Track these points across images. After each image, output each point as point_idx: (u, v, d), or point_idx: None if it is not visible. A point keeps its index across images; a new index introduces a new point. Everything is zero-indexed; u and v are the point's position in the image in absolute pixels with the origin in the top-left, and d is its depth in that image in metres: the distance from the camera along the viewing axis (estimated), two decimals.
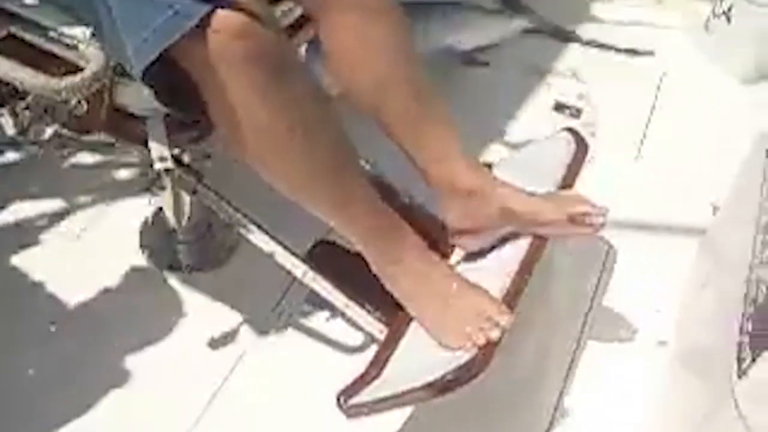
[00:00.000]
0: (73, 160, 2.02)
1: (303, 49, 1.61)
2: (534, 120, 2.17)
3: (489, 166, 1.67)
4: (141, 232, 1.88)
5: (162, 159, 1.44)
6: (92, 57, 1.21)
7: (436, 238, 1.54)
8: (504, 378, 1.55)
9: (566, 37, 2.44)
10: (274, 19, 1.24)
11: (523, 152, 1.75)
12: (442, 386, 1.28)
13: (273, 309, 1.75)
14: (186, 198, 1.68)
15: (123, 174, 2.00)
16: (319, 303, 1.67)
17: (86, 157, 2.02)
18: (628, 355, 1.67)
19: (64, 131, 1.43)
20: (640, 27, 2.47)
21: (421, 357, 1.39)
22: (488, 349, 1.31)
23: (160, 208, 1.79)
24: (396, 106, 1.44)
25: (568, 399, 1.61)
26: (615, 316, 1.73)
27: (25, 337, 1.68)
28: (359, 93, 1.45)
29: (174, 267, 1.83)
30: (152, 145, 1.42)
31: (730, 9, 2.28)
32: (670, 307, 1.68)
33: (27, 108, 1.36)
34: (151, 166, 1.50)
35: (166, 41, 1.16)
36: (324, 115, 1.32)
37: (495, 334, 1.32)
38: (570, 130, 1.64)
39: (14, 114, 1.37)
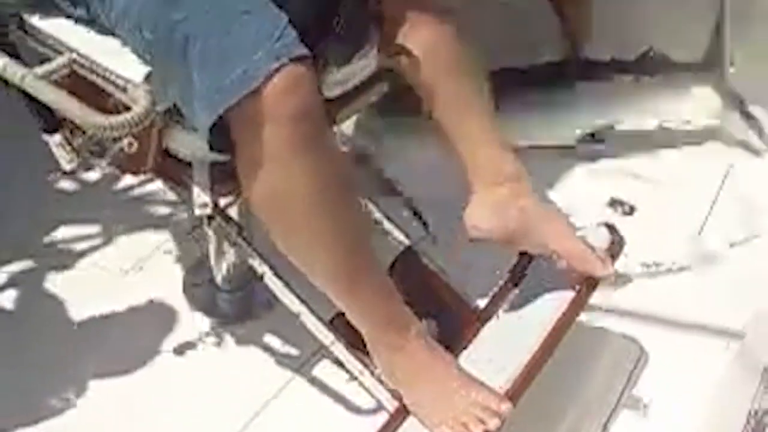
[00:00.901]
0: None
1: None
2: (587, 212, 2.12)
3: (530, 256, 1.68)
4: (185, 276, 1.93)
5: (203, 206, 1.49)
6: (139, 100, 1.28)
7: (459, 326, 1.59)
8: None
9: None
10: (317, 82, 1.30)
11: None
12: None
13: (298, 368, 1.77)
14: (230, 249, 1.72)
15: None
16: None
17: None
18: None
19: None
20: None
21: None
22: None
23: (207, 256, 1.84)
24: (447, 84, 1.54)
25: None
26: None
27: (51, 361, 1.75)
28: (413, 64, 1.53)
29: (212, 315, 1.88)
30: (195, 190, 1.48)
31: None
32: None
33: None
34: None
35: (240, 93, 1.22)
36: (350, 186, 1.37)
37: (493, 425, 1.31)
38: (608, 225, 1.63)
39: (69, 144, 1.44)
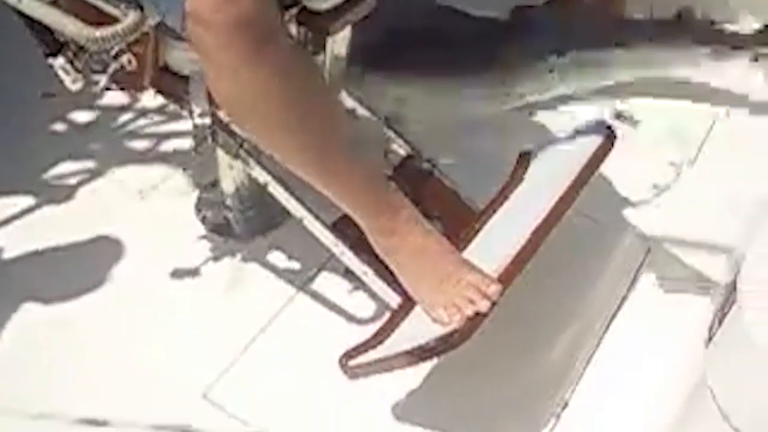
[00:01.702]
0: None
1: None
2: None
3: (528, 153, 1.80)
4: (197, 197, 2.04)
5: (202, 115, 1.60)
6: (129, 13, 1.38)
7: (462, 226, 1.69)
8: (528, 374, 1.69)
9: None
10: None
11: (558, 142, 1.83)
12: (422, 353, 1.42)
13: (305, 282, 1.87)
14: (238, 167, 1.81)
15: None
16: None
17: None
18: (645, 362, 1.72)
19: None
20: None
21: (419, 327, 1.49)
22: (475, 321, 1.42)
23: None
24: None
25: (578, 398, 1.67)
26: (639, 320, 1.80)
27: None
28: None
29: (223, 234, 1.98)
30: (193, 101, 1.58)
31: None
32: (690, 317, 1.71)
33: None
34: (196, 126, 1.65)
35: None
36: (315, 83, 1.43)
37: (484, 306, 1.41)
38: (603, 123, 1.71)
39: (71, 64, 1.54)
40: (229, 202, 1.95)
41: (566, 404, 1.65)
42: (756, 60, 2.27)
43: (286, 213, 1.83)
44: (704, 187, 2.08)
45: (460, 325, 1.41)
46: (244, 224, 1.97)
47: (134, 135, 2.19)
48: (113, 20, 1.41)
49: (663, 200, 2.05)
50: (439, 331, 1.42)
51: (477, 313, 1.41)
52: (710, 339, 1.25)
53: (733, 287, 1.19)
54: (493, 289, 1.43)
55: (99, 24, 1.40)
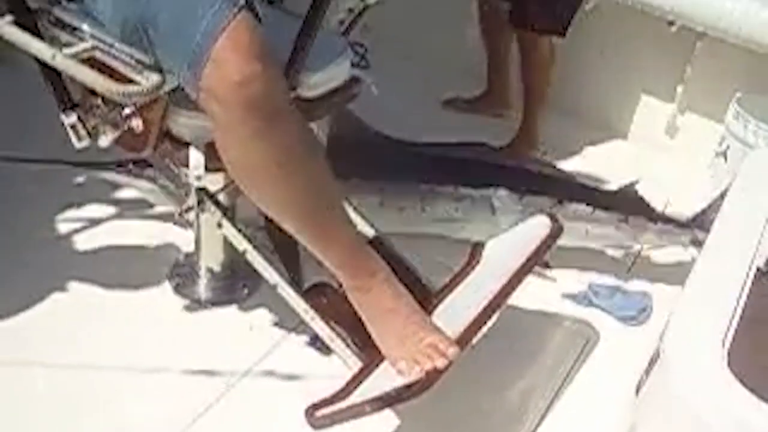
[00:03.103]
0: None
1: None
2: None
3: (480, 244, 2.04)
4: (169, 268, 2.24)
5: (198, 178, 1.83)
6: (152, 76, 1.60)
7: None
8: (489, 412, 1.99)
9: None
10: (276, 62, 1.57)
11: (511, 232, 2.08)
12: (386, 400, 1.61)
13: (273, 347, 2.08)
14: (217, 236, 2.02)
15: None
16: (317, 347, 2.02)
17: None
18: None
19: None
20: None
21: (383, 381, 1.70)
22: (433, 375, 1.63)
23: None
24: None
25: None
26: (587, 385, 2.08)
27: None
28: None
29: (187, 296, 2.18)
30: (192, 164, 1.81)
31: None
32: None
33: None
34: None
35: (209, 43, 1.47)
36: (313, 156, 1.65)
37: (441, 363, 1.63)
38: (550, 216, 1.98)
39: (82, 123, 1.76)
40: (201, 272, 2.16)
41: None
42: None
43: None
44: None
45: (419, 377, 1.62)
46: (210, 294, 2.18)
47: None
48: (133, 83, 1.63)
49: None
50: (402, 381, 1.63)
51: (435, 369, 1.62)
52: (638, 390, 1.47)
53: (659, 347, 1.42)
54: (452, 350, 1.64)
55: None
